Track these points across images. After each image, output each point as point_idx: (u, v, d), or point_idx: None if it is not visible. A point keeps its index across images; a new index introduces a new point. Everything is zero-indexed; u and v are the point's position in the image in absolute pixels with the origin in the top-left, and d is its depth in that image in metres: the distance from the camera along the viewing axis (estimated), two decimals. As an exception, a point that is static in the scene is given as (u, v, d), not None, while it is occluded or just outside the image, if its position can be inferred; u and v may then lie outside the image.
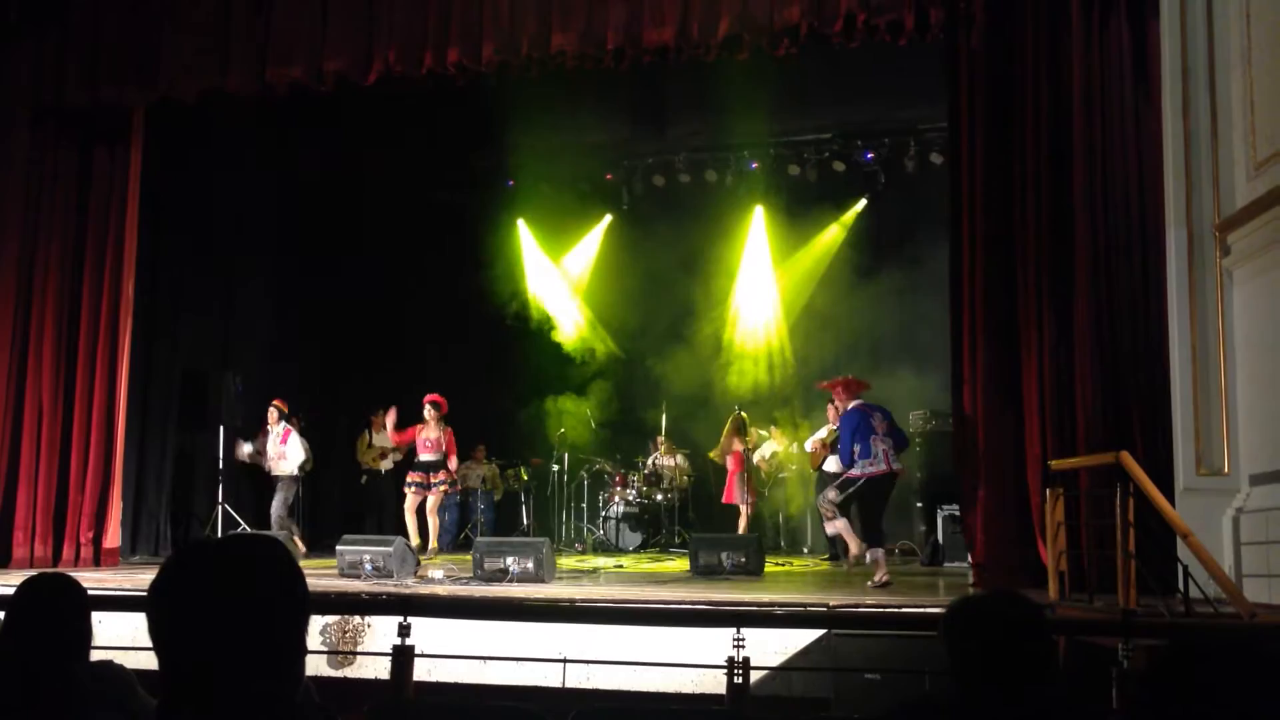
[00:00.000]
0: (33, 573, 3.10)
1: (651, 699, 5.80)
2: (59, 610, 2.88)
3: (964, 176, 8.03)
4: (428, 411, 10.30)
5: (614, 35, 8.45)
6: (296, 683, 1.54)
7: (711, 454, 11.87)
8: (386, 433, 11.71)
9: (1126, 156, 7.51)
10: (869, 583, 7.82)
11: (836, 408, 9.26)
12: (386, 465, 11.26)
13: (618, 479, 12.60)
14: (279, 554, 1.60)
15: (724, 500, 11.86)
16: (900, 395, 11.04)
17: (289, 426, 10.58)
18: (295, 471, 10.53)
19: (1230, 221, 6.87)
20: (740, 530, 11.07)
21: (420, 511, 10.46)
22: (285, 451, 10.50)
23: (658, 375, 13.12)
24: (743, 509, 11.38)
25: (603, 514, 12.48)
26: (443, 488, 10.39)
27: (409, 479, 10.47)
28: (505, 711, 3.89)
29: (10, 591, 2.96)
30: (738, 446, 11.43)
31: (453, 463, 10.41)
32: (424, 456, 10.33)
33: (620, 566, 10.24)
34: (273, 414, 10.60)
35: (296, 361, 13.64)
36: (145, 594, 1.54)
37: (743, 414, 11.54)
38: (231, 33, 9.16)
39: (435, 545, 10.61)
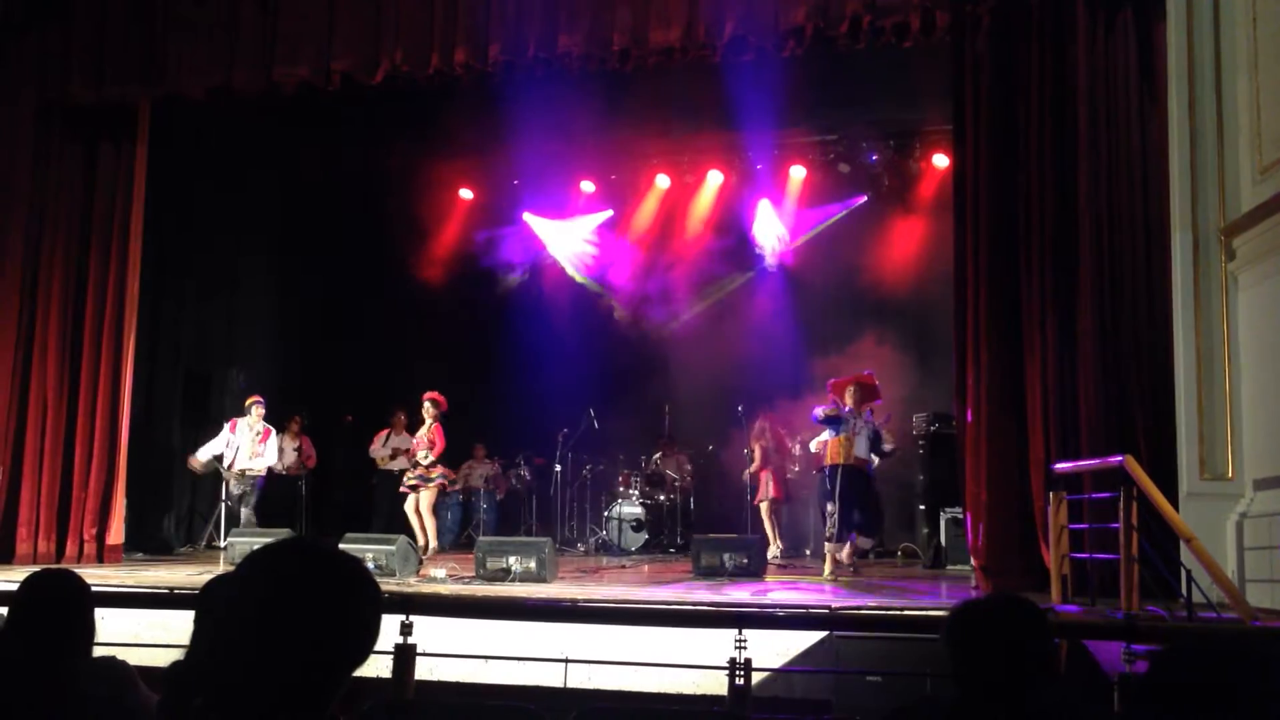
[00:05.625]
0: (36, 569, 3.10)
1: (653, 699, 5.79)
2: (62, 606, 2.88)
3: (968, 178, 8.02)
4: (426, 409, 10.33)
5: (620, 36, 8.46)
6: (321, 713, 1.49)
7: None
8: (405, 433, 11.68)
9: (1131, 159, 7.51)
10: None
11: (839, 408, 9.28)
12: (399, 465, 11.26)
13: (620, 479, 12.60)
14: (368, 586, 1.55)
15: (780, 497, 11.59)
16: (903, 397, 11.05)
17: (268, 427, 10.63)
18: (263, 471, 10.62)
19: (1236, 225, 6.86)
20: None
21: (420, 511, 10.46)
22: (263, 451, 10.56)
23: (661, 375, 13.11)
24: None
25: (605, 514, 12.48)
26: (436, 483, 10.37)
27: (405, 478, 10.49)
28: (506, 711, 3.89)
29: (13, 588, 2.96)
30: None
31: (434, 453, 10.35)
32: (417, 454, 10.32)
33: (623, 566, 10.25)
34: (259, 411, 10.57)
35: (300, 359, 13.65)
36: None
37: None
38: (239, 31, 9.16)
39: (435, 544, 10.61)
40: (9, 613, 2.88)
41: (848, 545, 8.95)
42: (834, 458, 8.99)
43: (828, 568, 8.95)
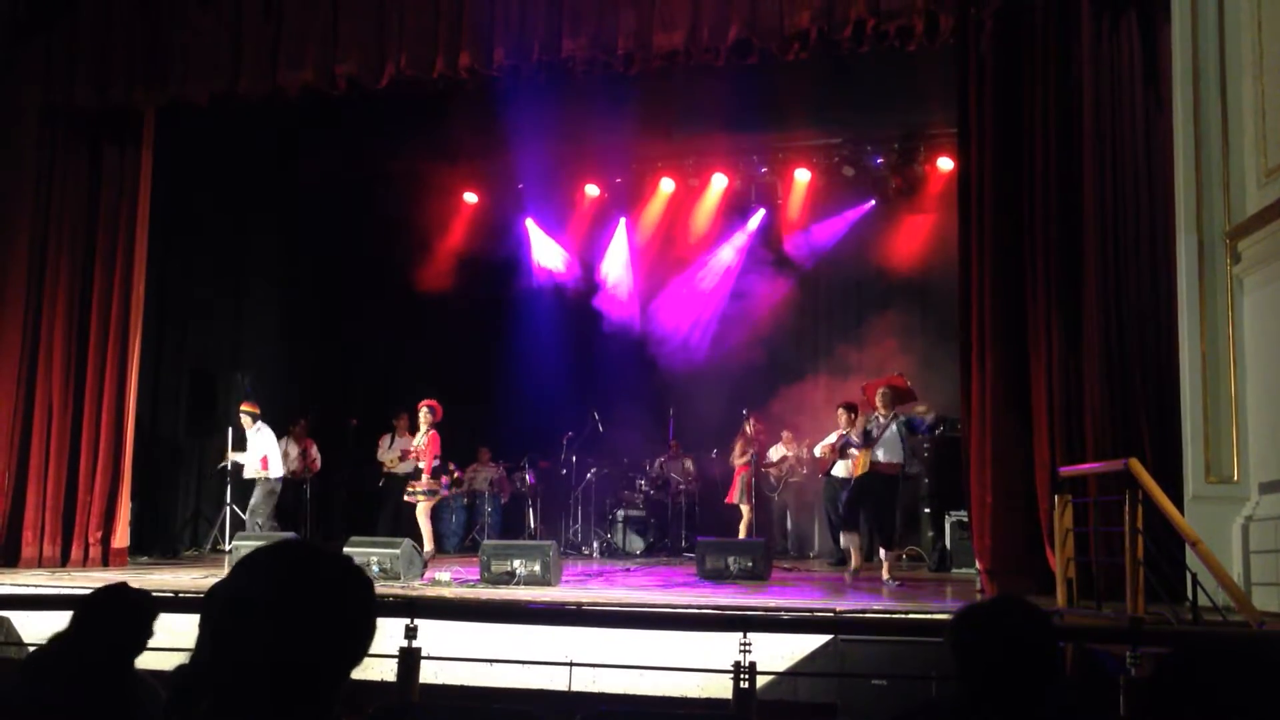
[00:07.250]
0: (115, 578, 3.10)
1: (657, 703, 5.79)
2: (130, 623, 2.89)
3: (973, 181, 8.01)
4: (423, 416, 10.21)
5: (624, 40, 8.46)
6: (326, 714, 1.49)
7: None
8: (408, 435, 11.64)
9: (1136, 162, 7.50)
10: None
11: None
12: (405, 468, 11.23)
13: (625, 482, 12.61)
14: (362, 586, 1.56)
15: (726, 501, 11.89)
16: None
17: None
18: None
19: (1241, 228, 6.85)
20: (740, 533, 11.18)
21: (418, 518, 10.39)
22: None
23: (666, 379, 13.12)
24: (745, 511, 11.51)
25: (610, 517, 12.48)
26: (437, 495, 10.27)
27: (407, 488, 10.33)
28: (510, 715, 3.90)
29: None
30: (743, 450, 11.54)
31: (426, 468, 10.16)
32: (419, 462, 10.24)
33: (627, 570, 10.25)
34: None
35: (306, 363, 13.67)
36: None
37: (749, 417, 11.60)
38: (243, 36, 9.18)
39: (431, 547, 10.45)
40: (78, 618, 2.88)
41: (884, 553, 8.84)
42: (859, 466, 8.95)
43: (885, 571, 8.80)
